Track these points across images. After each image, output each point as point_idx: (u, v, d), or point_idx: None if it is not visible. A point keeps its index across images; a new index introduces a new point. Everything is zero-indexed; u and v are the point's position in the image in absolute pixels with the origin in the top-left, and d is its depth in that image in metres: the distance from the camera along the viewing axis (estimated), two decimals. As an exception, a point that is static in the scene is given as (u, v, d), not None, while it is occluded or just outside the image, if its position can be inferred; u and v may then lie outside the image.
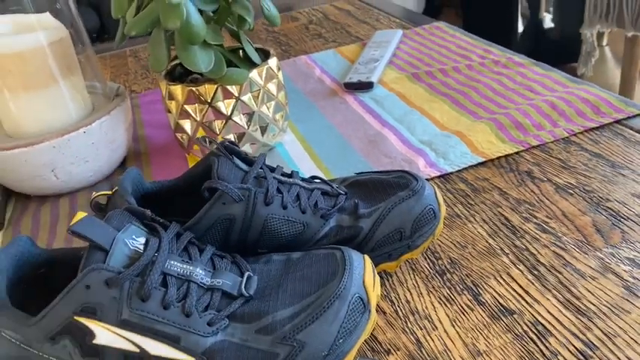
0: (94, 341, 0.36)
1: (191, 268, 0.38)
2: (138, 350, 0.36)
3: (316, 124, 0.73)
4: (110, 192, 0.44)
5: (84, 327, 0.35)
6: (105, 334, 0.35)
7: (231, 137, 0.64)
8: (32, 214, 0.63)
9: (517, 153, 0.61)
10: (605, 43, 2.47)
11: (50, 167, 0.61)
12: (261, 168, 0.45)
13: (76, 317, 0.35)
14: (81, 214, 0.37)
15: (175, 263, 0.37)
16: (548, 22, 2.20)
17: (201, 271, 0.38)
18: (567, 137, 0.62)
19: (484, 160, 0.60)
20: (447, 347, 0.40)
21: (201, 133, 0.64)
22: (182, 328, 0.36)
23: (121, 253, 0.36)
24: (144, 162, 0.70)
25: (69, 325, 0.35)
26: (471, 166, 0.59)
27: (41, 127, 0.62)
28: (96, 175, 0.65)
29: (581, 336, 0.39)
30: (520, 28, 2.15)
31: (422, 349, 0.40)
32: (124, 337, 0.35)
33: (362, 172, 0.51)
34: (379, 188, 0.47)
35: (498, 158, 0.60)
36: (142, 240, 0.38)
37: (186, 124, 0.64)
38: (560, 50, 2.14)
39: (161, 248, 0.37)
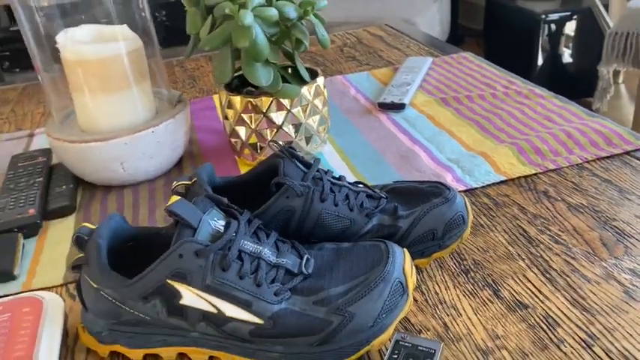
0: (181, 302, 0.43)
1: (260, 248, 0.45)
2: (216, 311, 0.43)
3: (352, 138, 0.81)
4: (189, 182, 0.52)
5: (174, 289, 0.43)
6: (190, 296, 0.43)
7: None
8: (100, 201, 0.71)
9: (535, 174, 0.68)
10: (620, 80, 2.55)
11: (120, 161, 0.69)
12: (317, 170, 0.53)
13: (168, 280, 0.43)
14: (175, 197, 0.45)
15: (248, 243, 0.45)
16: (566, 57, 2.29)
17: (268, 251, 0.46)
18: (581, 163, 0.69)
19: (506, 178, 0.67)
20: (470, 330, 0.47)
21: (253, 139, 0.72)
22: (254, 295, 0.43)
23: (205, 231, 0.44)
24: (198, 162, 0.78)
25: (161, 287, 0.43)
26: (494, 184, 0.67)
27: (113, 125, 0.70)
28: (157, 171, 0.74)
29: (584, 328, 0.46)
30: (539, 61, 2.23)
31: (448, 331, 0.47)
32: (205, 300, 0.43)
33: (399, 181, 0.59)
34: (416, 195, 0.54)
35: (518, 178, 0.67)
36: (222, 222, 0.45)
37: (241, 131, 0.72)
38: (576, 84, 2.21)
39: (239, 229, 0.45)
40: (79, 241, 0.46)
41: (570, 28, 2.23)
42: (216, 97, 1.00)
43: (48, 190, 0.71)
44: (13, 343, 0.45)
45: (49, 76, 0.73)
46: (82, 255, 0.47)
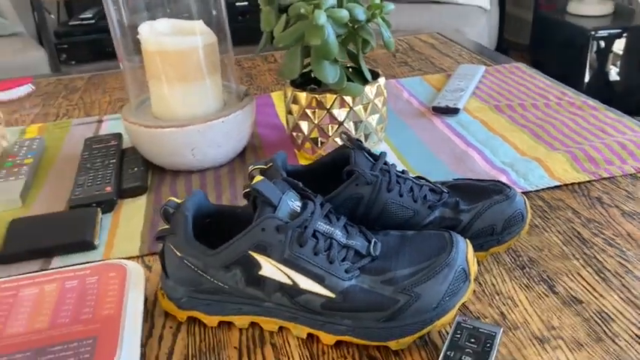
0: (260, 272, 0.47)
1: (332, 229, 0.49)
2: (291, 283, 0.46)
3: (407, 138, 0.84)
4: (265, 166, 0.56)
5: (255, 260, 0.46)
6: (269, 268, 0.46)
7: (338, 141, 0.75)
8: (169, 184, 0.76)
9: (589, 182, 0.70)
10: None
11: (191, 147, 0.74)
12: (384, 163, 0.56)
13: (250, 252, 0.46)
14: (259, 177, 0.49)
15: (321, 224, 0.48)
16: (613, 74, 2.27)
17: (339, 232, 0.49)
18: (634, 173, 0.70)
19: (559, 184, 0.69)
20: (526, 320, 0.49)
21: (315, 134, 0.76)
22: (326, 270, 0.46)
23: (284, 210, 0.47)
24: (259, 154, 0.82)
25: (243, 257, 0.47)
26: (548, 188, 0.69)
27: (186, 114, 0.75)
28: (223, 159, 0.78)
29: (639, 325, 0.48)
30: (587, 78, 2.22)
31: (505, 319, 0.49)
32: (283, 272, 0.46)
33: (458, 179, 0.61)
34: (477, 191, 0.57)
35: (572, 184, 0.69)
36: (298, 203, 0.49)
37: (304, 125, 0.76)
38: (624, 103, 2.19)
39: (316, 210, 0.48)
40: (166, 214, 0.50)
41: (619, 45, 2.21)
42: (274, 95, 1.04)
43: (121, 171, 0.76)
44: (103, 302, 0.50)
45: (129, 65, 0.79)
46: (166, 227, 0.51)
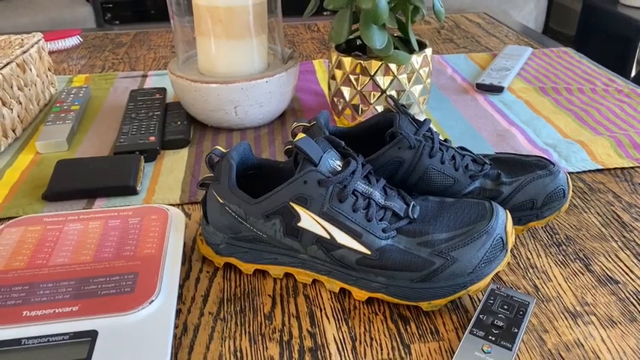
0: (299, 224, 0.48)
1: (371, 189, 0.49)
2: (328, 237, 0.47)
3: (449, 113, 0.83)
4: (309, 124, 0.56)
5: (294, 211, 0.47)
6: (308, 220, 0.47)
7: (379, 109, 0.75)
8: (210, 139, 0.77)
9: (632, 168, 0.68)
10: None
11: (234, 104, 0.75)
12: (428, 130, 0.56)
13: (291, 202, 0.47)
14: (301, 135, 0.49)
15: (361, 184, 0.49)
16: (662, 71, 2.19)
17: (378, 193, 0.49)
18: (681, 164, 0.69)
19: (602, 167, 0.68)
20: (559, 294, 0.49)
21: (356, 100, 0.76)
22: (364, 227, 0.47)
23: (325, 167, 0.48)
24: (299, 117, 0.83)
25: (283, 208, 0.47)
26: (589, 171, 0.68)
27: (231, 71, 0.76)
28: (263, 119, 0.79)
29: (675, 309, 0.47)
30: (633, 72, 2.16)
31: (539, 292, 0.49)
32: (321, 225, 0.47)
33: (501, 152, 0.61)
34: (519, 165, 0.57)
35: (615, 169, 0.68)
36: (338, 162, 0.49)
37: (346, 91, 0.76)
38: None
39: (357, 170, 0.49)
40: (211, 161, 0.51)
41: (671, 41, 2.14)
42: (316, 62, 1.04)
43: (165, 124, 0.78)
44: (144, 242, 0.51)
45: (179, 21, 0.80)
46: (210, 175, 0.52)
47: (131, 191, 0.64)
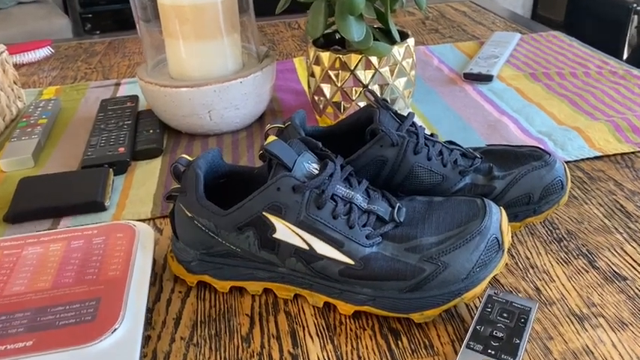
0: (274, 235, 0.43)
1: (352, 193, 0.45)
2: (307, 248, 0.43)
3: (436, 106, 0.79)
4: (283, 126, 0.52)
5: (269, 222, 0.43)
6: (284, 230, 0.43)
7: (362, 105, 0.71)
8: (185, 147, 0.72)
9: (632, 153, 0.64)
10: None
11: (208, 109, 0.70)
12: (411, 125, 0.52)
13: (264, 212, 0.43)
14: (273, 137, 0.45)
15: (340, 187, 0.45)
16: (653, 52, 2.16)
17: (360, 197, 0.45)
18: (684, 146, 0.65)
19: (600, 154, 0.64)
20: (563, 296, 0.45)
21: (337, 97, 0.72)
22: (346, 235, 0.43)
23: (300, 172, 0.43)
24: (279, 119, 0.79)
25: (256, 218, 0.43)
26: (588, 159, 0.64)
27: (203, 73, 0.71)
28: (240, 122, 0.74)
29: (691, 306, 0.43)
30: (625, 55, 2.12)
31: (541, 295, 0.45)
32: (298, 235, 0.43)
33: (493, 144, 0.57)
34: (512, 157, 0.52)
35: (614, 155, 0.64)
36: (315, 165, 0.45)
37: (326, 88, 0.72)
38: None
39: (335, 172, 0.44)
40: (176, 171, 0.47)
41: (661, 21, 2.10)
42: (296, 60, 1.00)
43: (136, 133, 0.73)
44: (109, 263, 0.47)
45: (145, 26, 0.75)
46: (177, 186, 0.48)
47: (99, 207, 0.60)
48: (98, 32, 2.42)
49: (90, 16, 2.40)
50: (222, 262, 0.47)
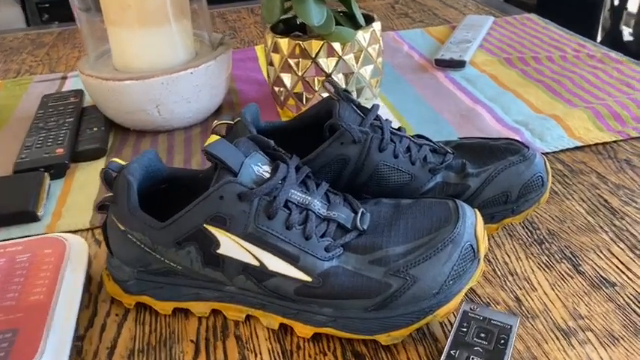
0: (219, 250, 0.38)
1: (309, 198, 0.39)
2: (257, 264, 0.37)
3: (406, 95, 0.74)
4: (232, 122, 0.46)
5: (212, 235, 0.37)
6: (230, 245, 0.37)
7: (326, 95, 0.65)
8: (132, 146, 0.66)
9: (615, 142, 0.60)
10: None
11: (155, 103, 0.64)
12: (376, 118, 0.46)
13: (206, 225, 0.37)
14: (215, 137, 0.39)
15: (295, 192, 0.39)
16: (627, 35, 2.14)
17: (318, 203, 0.40)
18: (668, 133, 0.61)
19: (581, 144, 0.59)
20: (547, 307, 0.40)
21: (299, 88, 0.66)
22: (302, 248, 0.37)
23: (248, 177, 0.38)
24: (237, 112, 0.72)
25: (197, 232, 0.37)
26: (568, 149, 0.59)
27: (150, 64, 0.65)
28: (194, 117, 0.68)
29: (686, 314, 0.39)
30: (599, 39, 2.10)
31: (522, 306, 0.40)
32: (246, 250, 0.37)
33: (466, 137, 0.52)
34: (487, 152, 0.47)
35: (596, 145, 0.60)
36: (266, 168, 0.39)
37: (286, 78, 0.66)
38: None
39: (288, 175, 0.39)
40: (107, 178, 0.41)
41: (634, 4, 2.08)
42: (258, 48, 0.94)
43: (78, 132, 0.67)
44: (31, 286, 0.41)
45: (85, 15, 0.68)
46: (109, 194, 0.41)
47: (31, 218, 0.53)
48: (57, 23, 2.30)
49: (47, 5, 2.27)
50: (162, 280, 0.41)
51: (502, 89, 0.73)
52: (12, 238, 0.50)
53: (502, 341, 0.35)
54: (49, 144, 0.63)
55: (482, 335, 0.35)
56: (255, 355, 0.38)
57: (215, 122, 0.47)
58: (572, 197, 0.52)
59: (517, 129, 0.63)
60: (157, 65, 0.65)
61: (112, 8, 0.63)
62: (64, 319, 0.39)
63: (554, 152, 0.59)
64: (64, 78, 0.88)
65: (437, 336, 0.38)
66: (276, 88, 0.68)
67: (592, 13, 2.09)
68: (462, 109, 0.68)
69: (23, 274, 0.42)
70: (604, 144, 0.60)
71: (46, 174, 0.58)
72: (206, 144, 0.38)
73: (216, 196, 0.37)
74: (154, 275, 0.41)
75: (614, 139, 0.60)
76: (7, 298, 0.40)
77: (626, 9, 2.10)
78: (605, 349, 0.37)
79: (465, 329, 0.36)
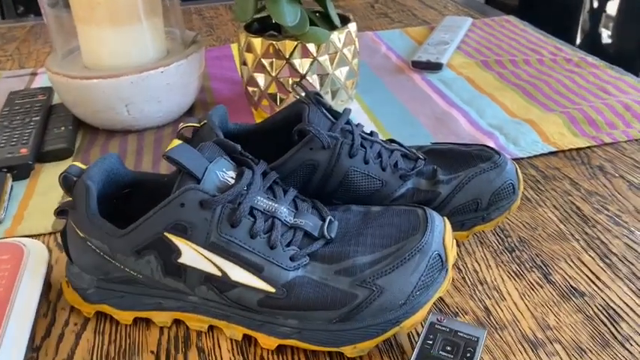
0: (180, 260, 0.36)
1: (276, 205, 0.38)
2: (220, 274, 0.36)
3: (382, 97, 0.73)
4: (198, 124, 0.45)
5: (172, 244, 0.36)
6: (191, 254, 0.36)
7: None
8: (101, 146, 0.64)
9: (589, 147, 0.60)
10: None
11: (125, 102, 0.62)
12: (347, 122, 0.45)
13: (166, 233, 0.36)
14: (176, 141, 0.38)
15: (261, 199, 0.38)
16: (605, 37, 2.16)
17: (285, 210, 0.39)
18: (641, 139, 0.61)
19: (555, 150, 0.59)
20: (515, 318, 0.40)
21: (273, 89, 0.65)
22: (266, 258, 0.36)
23: (211, 183, 0.37)
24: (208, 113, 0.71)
25: (157, 240, 0.36)
26: (542, 155, 0.59)
27: (120, 63, 0.63)
28: (165, 117, 0.67)
29: (654, 325, 0.39)
30: (578, 41, 2.11)
31: (490, 317, 0.40)
32: (209, 260, 0.36)
33: (438, 143, 0.51)
34: (459, 158, 0.47)
35: (570, 150, 0.60)
36: (231, 174, 0.38)
37: (260, 78, 0.65)
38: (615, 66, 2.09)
39: (254, 181, 0.38)
40: (67, 182, 0.39)
41: (613, 6, 2.10)
42: (234, 46, 0.92)
43: (45, 131, 0.65)
44: (-15, 294, 0.39)
45: (53, 11, 0.66)
46: (68, 200, 0.40)
47: (-10, 221, 0.51)
48: (32, 16, 2.25)
49: (23, -3, 2.22)
50: (122, 289, 0.39)
51: (478, 92, 0.72)
52: (-31, 243, 0.48)
53: (468, 354, 0.34)
54: (13, 143, 0.61)
55: (449, 348, 0.35)
56: (218, 367, 0.37)
57: (180, 125, 0.46)
58: (545, 204, 0.51)
59: (491, 133, 0.62)
60: (126, 64, 0.63)
61: (81, 6, 0.61)
62: (19, 328, 0.37)
63: (528, 158, 0.58)
64: (34, 74, 0.85)
65: (404, 347, 0.38)
66: (250, 88, 0.67)
67: (571, 15, 2.11)
68: (437, 113, 0.68)
69: (-23, 281, 0.40)
70: (578, 150, 0.60)
71: (8, 175, 0.56)
72: (167, 148, 0.37)
73: (177, 203, 0.35)
74: (115, 284, 0.39)
75: (588, 144, 0.60)
76: (-41, 308, 0.38)
77: (605, 11, 2.12)
78: (573, 361, 0.36)
79: (430, 342, 0.35)
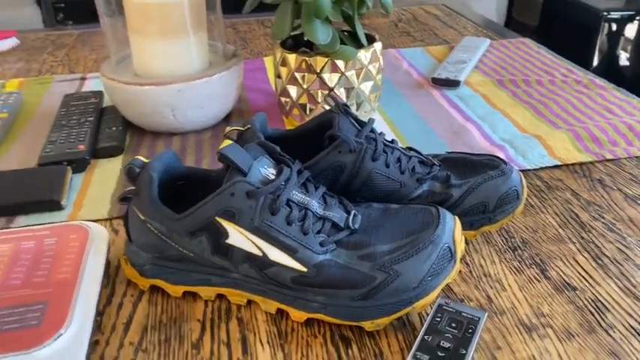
0: (227, 241, 0.43)
1: (308, 199, 0.45)
2: (260, 254, 0.43)
3: (403, 110, 0.79)
4: (243, 128, 0.52)
5: (221, 227, 0.43)
6: (237, 236, 0.43)
7: (327, 108, 0.71)
8: (148, 146, 0.71)
9: (591, 162, 0.65)
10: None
11: (171, 107, 0.70)
12: (371, 130, 0.52)
13: (217, 218, 0.42)
14: (228, 141, 0.45)
15: (296, 193, 0.44)
16: (623, 59, 2.20)
17: (316, 203, 0.45)
18: (640, 156, 0.66)
19: (560, 163, 0.65)
20: (514, 305, 0.45)
21: (303, 99, 0.71)
22: (300, 242, 0.43)
23: (255, 177, 0.43)
24: (246, 119, 0.78)
25: (209, 223, 0.43)
26: (547, 167, 0.65)
27: (168, 71, 0.70)
28: (206, 122, 0.74)
29: (635, 316, 0.44)
30: (595, 62, 2.16)
31: (492, 304, 0.46)
32: (251, 241, 0.43)
33: (452, 152, 0.57)
34: (470, 166, 0.53)
35: (573, 164, 0.65)
36: (272, 170, 0.45)
37: (292, 90, 0.72)
38: (633, 89, 2.13)
39: (291, 177, 0.44)
40: (131, 173, 0.46)
41: (631, 29, 2.14)
42: (267, 60, 0.99)
43: (98, 130, 0.72)
44: (59, 266, 0.46)
45: (109, 21, 0.74)
46: (132, 187, 0.47)
47: (55, 206, 0.58)
48: (71, 22, 2.36)
49: (62, 5, 2.34)
50: (175, 266, 0.46)
51: (492, 108, 0.78)
52: (38, 224, 0.55)
53: (470, 330, 0.40)
54: (72, 140, 0.68)
55: (453, 325, 0.40)
56: (254, 335, 0.43)
57: (228, 128, 0.52)
58: (547, 211, 0.57)
59: (502, 146, 0.68)
60: (174, 73, 0.70)
61: (136, 19, 0.69)
62: (88, 295, 0.44)
63: (534, 169, 0.64)
64: (84, 79, 0.93)
65: (415, 325, 0.44)
66: (283, 99, 0.74)
67: (589, 37, 2.15)
68: (453, 126, 0.74)
69: (51, 255, 0.47)
70: (581, 164, 0.65)
71: (68, 167, 0.63)
72: (220, 147, 0.44)
73: (228, 193, 0.42)
74: (168, 261, 0.46)
75: (590, 160, 0.66)
76: (38, 275, 0.45)
77: (624, 34, 2.16)
78: (562, 343, 0.42)
79: (438, 319, 0.41)
